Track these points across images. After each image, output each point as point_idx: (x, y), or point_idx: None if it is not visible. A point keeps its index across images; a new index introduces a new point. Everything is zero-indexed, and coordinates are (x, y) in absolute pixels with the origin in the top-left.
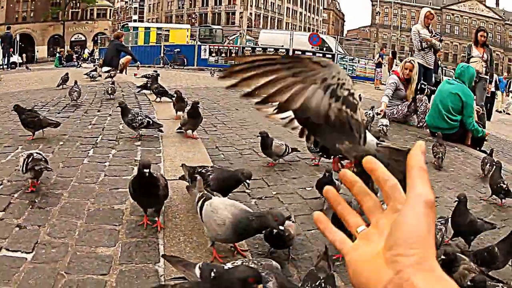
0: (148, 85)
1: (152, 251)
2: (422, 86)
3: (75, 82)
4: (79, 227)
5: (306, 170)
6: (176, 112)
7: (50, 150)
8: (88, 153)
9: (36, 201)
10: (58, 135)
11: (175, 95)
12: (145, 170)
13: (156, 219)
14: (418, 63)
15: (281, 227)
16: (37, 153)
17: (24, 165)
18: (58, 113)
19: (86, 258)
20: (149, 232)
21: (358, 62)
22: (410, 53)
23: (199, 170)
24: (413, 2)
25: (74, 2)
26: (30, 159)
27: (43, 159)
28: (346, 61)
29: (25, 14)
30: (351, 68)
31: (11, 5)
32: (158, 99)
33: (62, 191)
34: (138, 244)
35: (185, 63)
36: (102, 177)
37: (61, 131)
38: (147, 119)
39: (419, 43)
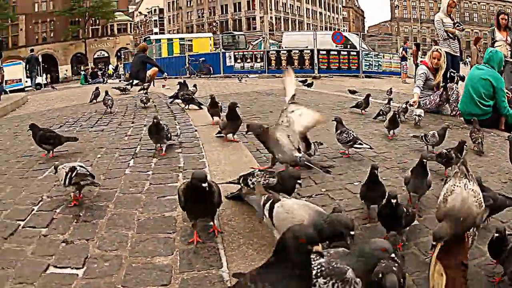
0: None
1: (213, 257)
2: (452, 74)
3: (106, 93)
4: (131, 238)
5: (349, 165)
6: (212, 118)
7: (88, 164)
8: (129, 163)
9: (81, 214)
10: (95, 148)
11: (210, 99)
12: (203, 185)
13: (212, 223)
14: (445, 52)
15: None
16: (80, 166)
17: (67, 179)
18: (91, 127)
19: (143, 269)
20: (207, 237)
21: (383, 57)
22: (431, 44)
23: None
24: None
25: (93, 19)
26: (74, 173)
27: (88, 173)
28: (371, 57)
29: (45, 35)
30: (376, 64)
31: (30, 27)
32: (185, 106)
33: (107, 203)
34: (196, 250)
35: (211, 72)
36: (147, 186)
37: (97, 144)
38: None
39: (444, 33)
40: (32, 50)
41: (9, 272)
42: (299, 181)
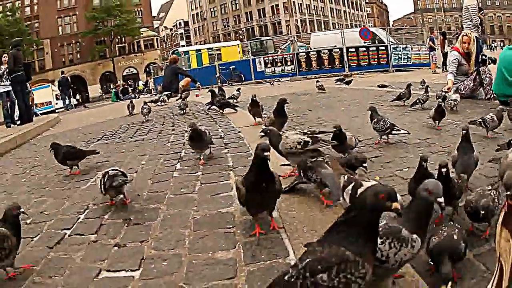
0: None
1: (278, 247)
2: (483, 57)
3: (144, 103)
4: (188, 236)
5: (396, 153)
6: (254, 118)
7: (133, 171)
8: (176, 167)
9: (131, 218)
10: (137, 156)
11: (251, 100)
12: (265, 154)
13: (270, 218)
14: (475, 37)
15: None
16: (112, 169)
17: (102, 185)
18: (131, 137)
19: (206, 266)
20: (269, 228)
21: (411, 49)
22: (457, 32)
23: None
24: None
25: (119, 37)
26: (106, 178)
27: (120, 172)
28: (400, 51)
29: (72, 56)
30: (405, 57)
31: (56, 50)
32: (222, 111)
33: (159, 205)
34: (260, 242)
35: (243, 79)
36: (198, 186)
37: (139, 152)
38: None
39: (479, 18)
40: (62, 73)
41: (57, 280)
42: (364, 164)
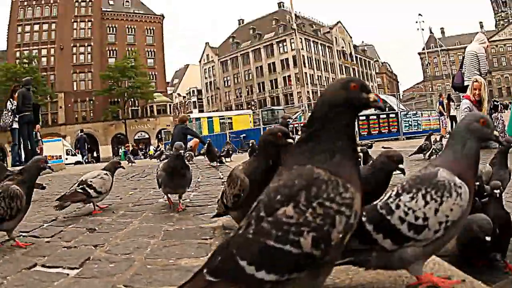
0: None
1: None
2: (495, 103)
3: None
4: (153, 245)
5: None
6: None
7: (118, 198)
8: (164, 196)
9: (97, 228)
10: (127, 188)
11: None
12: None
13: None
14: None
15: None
16: (90, 179)
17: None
18: (128, 179)
19: (161, 271)
20: None
21: (421, 115)
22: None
23: None
24: (458, 45)
25: (132, 100)
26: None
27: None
28: (410, 117)
29: (85, 114)
30: (416, 124)
31: (69, 105)
32: (215, 163)
33: (132, 220)
34: None
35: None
36: (183, 207)
37: (131, 186)
38: None
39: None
40: (82, 131)
41: None
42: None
